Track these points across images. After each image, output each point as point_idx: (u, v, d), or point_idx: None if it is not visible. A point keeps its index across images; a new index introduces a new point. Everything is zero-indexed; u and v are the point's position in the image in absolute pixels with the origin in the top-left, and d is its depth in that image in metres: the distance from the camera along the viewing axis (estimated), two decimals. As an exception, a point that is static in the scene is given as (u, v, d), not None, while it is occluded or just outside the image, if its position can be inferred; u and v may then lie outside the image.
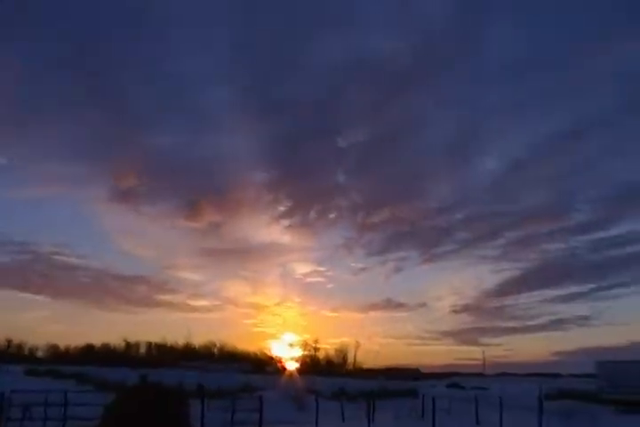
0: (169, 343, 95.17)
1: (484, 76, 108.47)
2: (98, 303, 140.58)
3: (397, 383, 55.28)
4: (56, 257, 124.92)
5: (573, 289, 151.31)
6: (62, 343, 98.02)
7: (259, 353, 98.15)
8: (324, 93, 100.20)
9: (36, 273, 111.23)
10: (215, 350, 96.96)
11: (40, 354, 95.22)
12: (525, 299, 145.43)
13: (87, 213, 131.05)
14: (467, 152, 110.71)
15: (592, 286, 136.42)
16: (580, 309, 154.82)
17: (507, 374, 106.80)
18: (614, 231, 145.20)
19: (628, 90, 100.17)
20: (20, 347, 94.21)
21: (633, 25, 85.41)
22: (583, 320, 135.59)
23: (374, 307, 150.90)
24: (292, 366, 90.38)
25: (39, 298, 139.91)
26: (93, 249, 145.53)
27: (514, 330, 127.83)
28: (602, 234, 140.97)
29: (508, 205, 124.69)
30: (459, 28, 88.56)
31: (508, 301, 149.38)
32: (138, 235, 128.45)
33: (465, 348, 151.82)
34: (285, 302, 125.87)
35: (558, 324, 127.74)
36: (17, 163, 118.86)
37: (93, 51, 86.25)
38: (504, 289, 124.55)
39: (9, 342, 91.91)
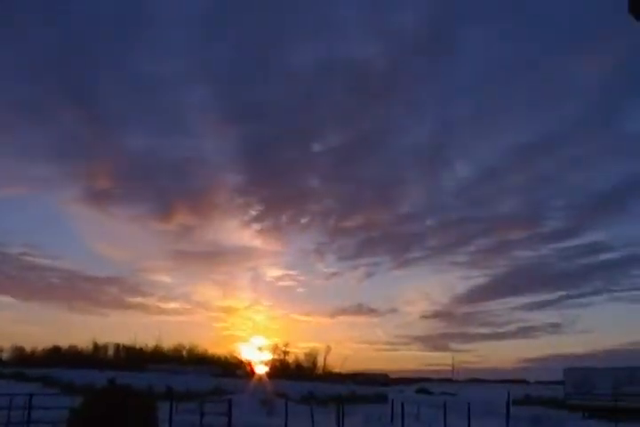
0: (138, 346, 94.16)
1: (459, 83, 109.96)
2: (67, 305, 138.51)
3: (366, 388, 55.31)
4: (25, 258, 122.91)
5: (544, 297, 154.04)
6: (29, 345, 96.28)
7: (229, 357, 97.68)
8: (298, 97, 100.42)
9: (3, 274, 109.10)
10: (184, 353, 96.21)
11: (5, 356, 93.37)
12: (496, 306, 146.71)
13: (59, 213, 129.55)
14: (440, 159, 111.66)
15: (563, 293, 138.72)
16: (550, 316, 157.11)
17: (476, 381, 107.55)
18: (585, 239, 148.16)
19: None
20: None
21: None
22: (554, 328, 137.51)
23: (345, 311, 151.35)
24: (261, 369, 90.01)
25: (5, 299, 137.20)
26: (64, 250, 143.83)
27: (484, 336, 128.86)
28: (573, 242, 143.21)
29: (480, 212, 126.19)
30: (434, 35, 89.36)
31: (479, 307, 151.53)
32: (109, 236, 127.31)
33: (435, 354, 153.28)
34: (256, 306, 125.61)
35: (529, 331, 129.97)
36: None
37: (65, 51, 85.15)
38: (475, 296, 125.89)
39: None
